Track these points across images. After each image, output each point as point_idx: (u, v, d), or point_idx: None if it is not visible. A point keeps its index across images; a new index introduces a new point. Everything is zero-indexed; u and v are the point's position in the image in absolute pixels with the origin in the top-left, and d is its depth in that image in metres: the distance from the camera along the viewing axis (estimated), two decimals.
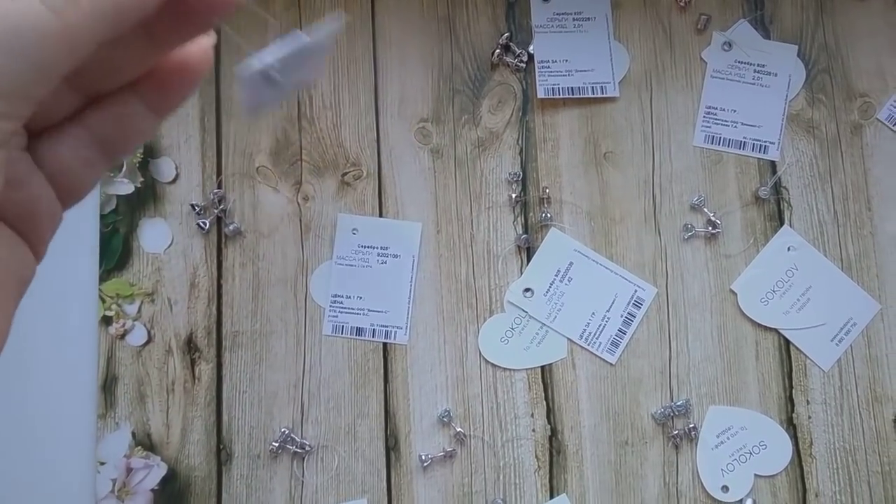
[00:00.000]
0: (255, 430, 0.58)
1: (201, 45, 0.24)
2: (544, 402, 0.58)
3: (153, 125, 0.25)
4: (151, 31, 0.22)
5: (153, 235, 0.59)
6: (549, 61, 0.61)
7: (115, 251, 0.59)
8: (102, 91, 0.24)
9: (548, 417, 0.58)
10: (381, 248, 0.59)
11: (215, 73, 0.62)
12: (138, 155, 0.60)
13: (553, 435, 0.58)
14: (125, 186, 0.59)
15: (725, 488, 0.57)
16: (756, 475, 0.57)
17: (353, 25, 0.62)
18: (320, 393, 0.58)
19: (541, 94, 0.60)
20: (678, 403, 0.57)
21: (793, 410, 0.58)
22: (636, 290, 0.59)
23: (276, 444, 0.57)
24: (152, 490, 0.56)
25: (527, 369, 0.58)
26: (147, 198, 0.60)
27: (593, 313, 0.59)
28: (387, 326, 0.59)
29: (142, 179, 0.60)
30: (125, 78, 0.24)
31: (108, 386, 0.57)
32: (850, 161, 0.61)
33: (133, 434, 0.57)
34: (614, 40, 0.62)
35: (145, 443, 0.57)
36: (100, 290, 0.58)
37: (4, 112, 0.19)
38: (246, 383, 0.58)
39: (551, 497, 0.57)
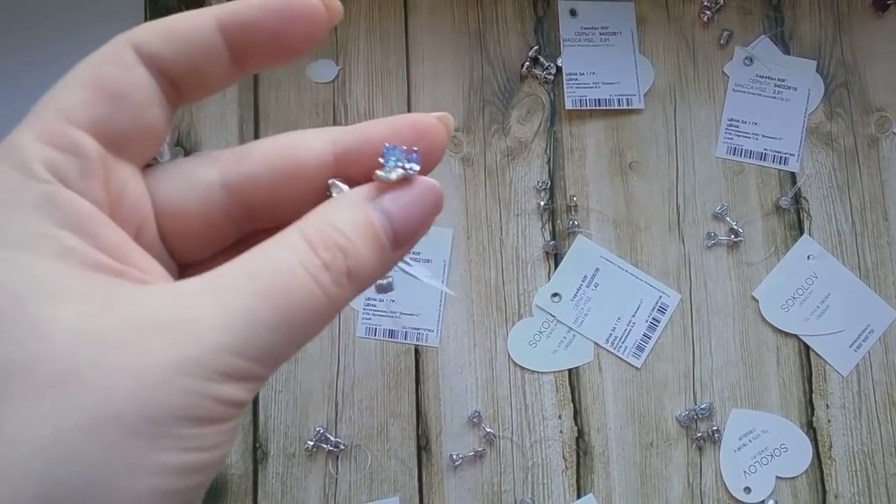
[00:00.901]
0: (291, 429, 0.59)
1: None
2: (571, 404, 0.60)
3: None
4: None
5: None
6: (576, 74, 0.63)
7: None
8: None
9: (575, 419, 0.60)
10: (413, 253, 0.61)
11: (254, 82, 0.64)
12: None
13: (580, 436, 0.59)
14: None
15: (748, 490, 0.58)
16: (777, 477, 0.59)
17: (387, 39, 0.64)
18: (354, 393, 0.60)
19: (569, 106, 0.62)
20: (701, 406, 0.59)
21: (813, 414, 0.60)
22: (661, 296, 0.61)
23: (312, 443, 0.58)
24: None
25: (554, 372, 0.60)
26: None
27: (619, 318, 0.61)
28: (418, 329, 0.60)
29: None
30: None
31: None
32: (868, 173, 0.63)
33: None
34: (639, 54, 0.64)
35: None
36: None
37: (258, 375, 0.19)
38: (282, 383, 0.60)
39: (578, 497, 0.59)
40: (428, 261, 0.61)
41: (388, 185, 0.21)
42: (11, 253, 0.18)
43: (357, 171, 0.23)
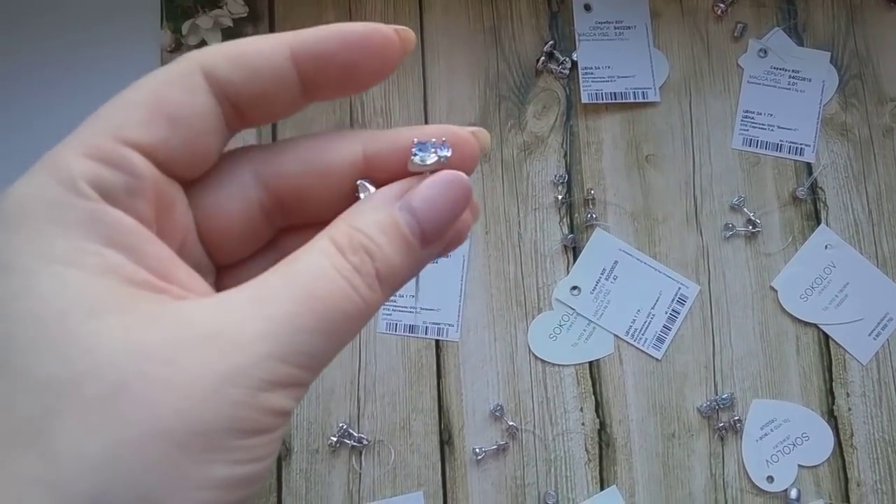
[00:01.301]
0: (314, 425, 0.59)
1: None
2: (593, 397, 0.60)
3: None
4: None
5: None
6: (592, 68, 0.63)
7: None
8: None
9: (596, 411, 0.60)
10: None
11: None
12: None
13: (602, 428, 0.60)
14: None
15: (770, 479, 0.59)
16: (799, 466, 0.59)
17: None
18: (376, 389, 0.60)
19: (585, 100, 0.63)
20: (723, 397, 0.59)
21: (833, 403, 0.60)
22: (680, 288, 0.61)
23: (335, 439, 0.58)
24: None
25: (575, 365, 0.60)
26: None
27: (639, 310, 0.61)
28: (439, 324, 0.61)
29: None
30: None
31: None
32: (883, 162, 0.63)
33: None
34: (654, 48, 0.64)
35: None
36: None
37: (303, 381, 0.19)
38: None
39: (601, 489, 0.59)
40: (446, 256, 0.61)
41: (419, 177, 0.21)
42: (56, 268, 0.17)
43: (386, 173, 0.23)
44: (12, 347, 0.17)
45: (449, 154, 0.21)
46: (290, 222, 0.24)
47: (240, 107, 0.21)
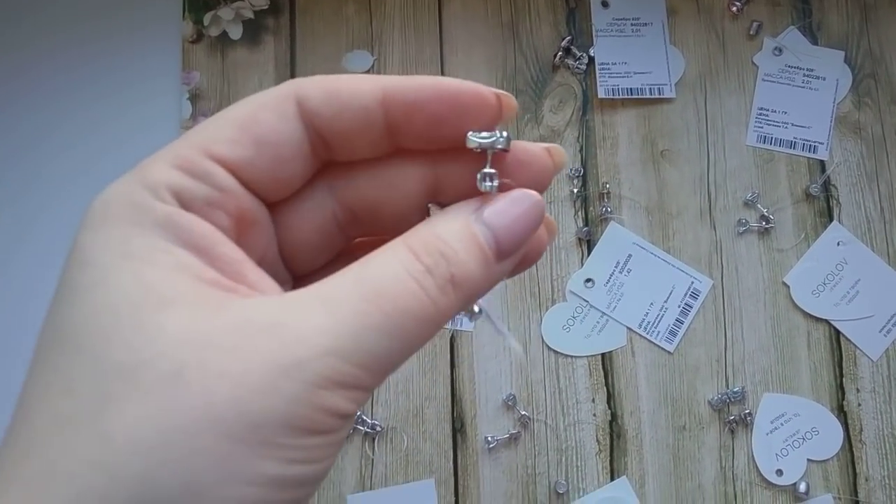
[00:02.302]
0: None
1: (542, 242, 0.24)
2: (605, 388, 0.61)
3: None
4: None
5: None
6: (608, 63, 0.64)
7: None
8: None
9: (608, 402, 0.60)
10: None
11: (290, 72, 0.65)
12: None
13: (613, 419, 0.60)
14: None
15: (780, 472, 0.59)
16: (809, 460, 0.59)
17: (422, 31, 0.66)
18: (390, 377, 0.60)
19: (601, 95, 0.63)
20: (734, 390, 0.60)
21: (843, 398, 0.61)
22: (693, 282, 0.62)
23: None
24: None
25: (588, 356, 0.61)
26: None
27: (652, 303, 0.61)
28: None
29: None
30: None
31: None
32: None
33: None
34: (670, 45, 0.65)
35: None
36: None
37: (366, 384, 0.19)
38: None
39: (612, 479, 0.59)
40: None
41: (491, 195, 0.22)
42: (134, 264, 0.18)
43: (455, 191, 0.23)
44: (86, 334, 0.17)
45: (506, 143, 0.21)
46: (364, 233, 0.24)
47: (326, 139, 0.21)
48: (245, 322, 0.18)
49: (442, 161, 0.23)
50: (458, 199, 0.22)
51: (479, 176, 0.22)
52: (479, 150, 0.21)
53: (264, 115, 0.21)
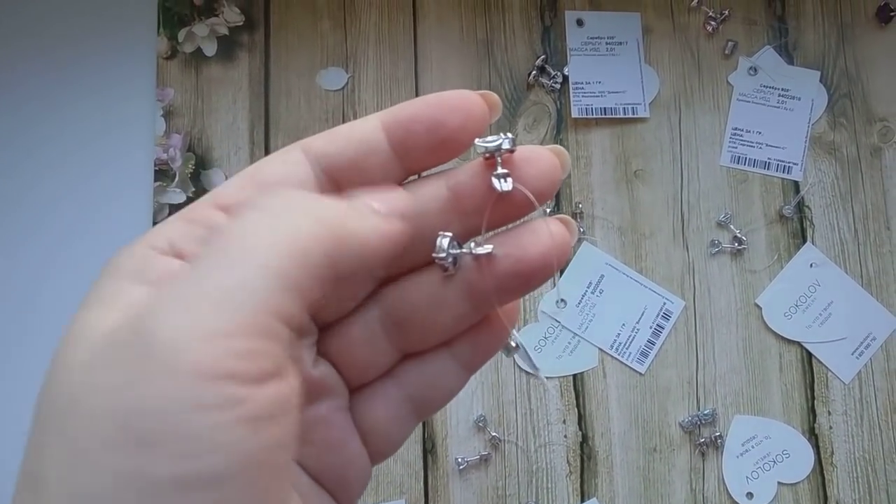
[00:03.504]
0: None
1: (509, 307, 0.24)
2: (576, 409, 0.60)
3: (462, 382, 0.24)
4: (473, 294, 0.22)
5: None
6: (582, 83, 0.64)
7: None
8: (421, 349, 0.24)
9: (579, 424, 0.60)
10: None
11: (264, 89, 0.64)
12: (190, 166, 0.63)
13: (584, 441, 0.60)
14: (177, 195, 0.62)
15: (750, 495, 0.59)
16: (779, 483, 0.59)
17: (396, 47, 0.65)
18: None
19: (575, 114, 0.63)
20: (705, 412, 0.60)
21: (815, 421, 0.60)
22: (665, 303, 0.61)
23: None
24: None
25: (559, 377, 0.61)
26: None
27: (623, 324, 0.61)
28: None
29: (193, 190, 0.62)
30: (444, 336, 0.24)
31: None
32: (871, 182, 0.63)
33: None
34: (645, 64, 0.65)
35: None
36: None
37: (254, 329, 0.17)
38: None
39: (582, 501, 0.59)
40: None
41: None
42: (83, 314, 0.19)
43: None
44: (40, 391, 0.18)
45: (510, 146, 0.22)
46: (417, 348, 0.24)
47: (335, 176, 0.22)
48: (119, 329, 0.17)
49: (452, 176, 0.23)
50: (478, 210, 0.22)
51: (493, 178, 0.22)
52: (487, 156, 0.22)
53: (267, 164, 0.22)
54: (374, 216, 0.21)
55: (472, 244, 0.22)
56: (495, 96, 0.23)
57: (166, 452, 0.15)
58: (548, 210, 0.63)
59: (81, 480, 0.16)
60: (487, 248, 0.22)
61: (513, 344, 0.24)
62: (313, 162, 0.22)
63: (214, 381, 0.16)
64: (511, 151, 0.22)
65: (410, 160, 0.22)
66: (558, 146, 0.23)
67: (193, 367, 0.16)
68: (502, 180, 0.22)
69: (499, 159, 0.22)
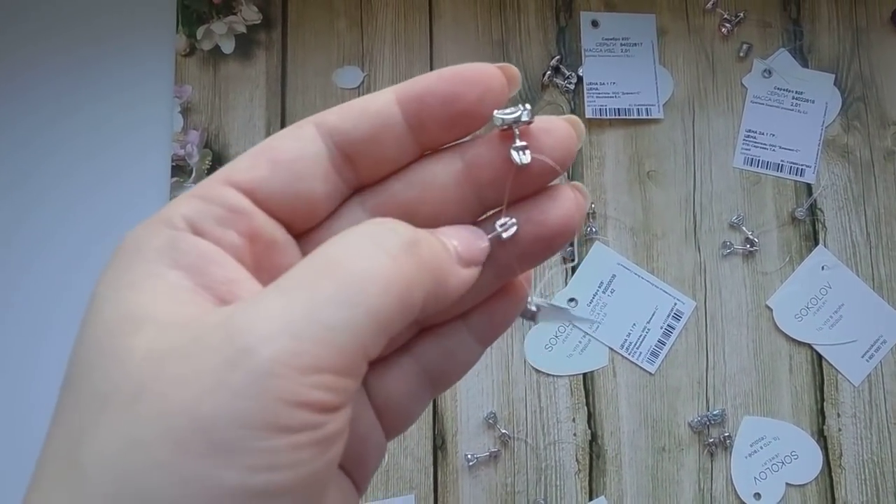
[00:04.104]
0: None
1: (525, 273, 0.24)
2: (585, 408, 0.61)
3: (477, 355, 0.24)
4: (494, 264, 0.22)
5: None
6: (597, 83, 0.64)
7: None
8: (437, 322, 0.24)
9: (588, 422, 0.61)
10: None
11: (281, 86, 0.65)
12: (207, 162, 0.64)
13: (593, 439, 0.61)
14: None
15: (758, 496, 0.59)
16: (787, 484, 0.60)
17: (412, 47, 0.66)
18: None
19: (589, 115, 0.64)
20: (714, 413, 0.60)
21: (824, 423, 0.61)
22: (676, 304, 0.62)
23: None
24: None
25: (569, 376, 0.61)
26: None
27: (634, 324, 0.62)
28: None
29: None
30: (464, 308, 0.23)
31: None
32: (883, 186, 0.64)
33: None
34: (660, 65, 0.65)
35: None
36: None
37: (330, 365, 0.17)
38: None
39: (590, 499, 0.60)
40: None
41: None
42: (121, 293, 0.18)
43: (490, 170, 0.22)
44: (76, 370, 0.18)
45: (528, 118, 0.22)
46: (433, 321, 0.24)
47: (348, 152, 0.21)
48: (202, 327, 0.17)
49: (468, 149, 0.22)
50: (494, 182, 0.22)
51: (511, 151, 0.22)
52: (505, 127, 0.22)
53: (280, 139, 0.21)
54: (464, 269, 0.21)
55: (498, 226, 0.22)
56: (514, 69, 0.22)
57: (241, 463, 0.16)
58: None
59: (138, 475, 0.16)
60: (513, 227, 0.22)
61: (533, 308, 0.24)
62: (326, 137, 0.21)
63: (300, 408, 0.16)
64: (529, 123, 0.22)
65: (426, 135, 0.22)
66: (573, 116, 0.23)
67: (285, 395, 0.16)
68: (521, 153, 0.22)
69: (516, 132, 0.22)
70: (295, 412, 0.16)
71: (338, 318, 0.17)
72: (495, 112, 0.22)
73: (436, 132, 0.22)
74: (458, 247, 0.21)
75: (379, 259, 0.18)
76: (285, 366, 0.16)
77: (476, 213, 0.23)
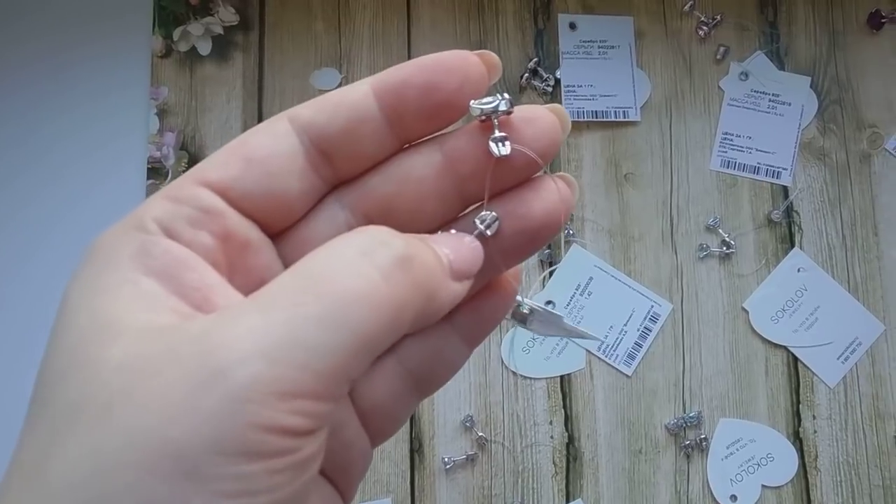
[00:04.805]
0: None
1: (512, 270, 0.23)
2: (562, 410, 0.61)
3: (464, 357, 0.24)
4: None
5: None
6: (574, 86, 0.64)
7: None
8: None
9: (566, 425, 0.61)
10: None
11: (258, 88, 0.65)
12: (183, 164, 0.63)
13: (570, 442, 0.61)
14: None
15: (734, 498, 0.59)
16: (763, 486, 0.60)
17: (390, 48, 0.66)
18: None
19: None
20: (690, 415, 0.60)
21: (799, 424, 0.61)
22: (653, 306, 0.62)
23: None
24: None
25: (546, 378, 0.61)
26: None
27: (611, 326, 0.62)
28: None
29: None
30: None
31: None
32: (859, 188, 0.64)
33: None
34: (637, 68, 0.65)
35: None
36: None
37: (309, 389, 0.16)
38: None
39: (567, 501, 0.60)
40: None
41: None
42: (95, 301, 0.18)
43: (470, 163, 0.21)
44: (47, 379, 0.17)
45: (507, 107, 0.21)
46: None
47: (324, 148, 0.21)
48: (175, 342, 0.16)
49: (447, 141, 0.22)
50: (474, 175, 0.21)
51: (490, 143, 0.21)
52: (483, 118, 0.21)
53: (254, 135, 0.20)
54: (456, 283, 0.20)
55: (478, 221, 0.21)
56: (494, 56, 0.21)
57: (212, 489, 0.15)
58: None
59: (104, 497, 0.15)
60: (495, 223, 0.21)
61: (525, 310, 0.23)
62: (300, 133, 0.20)
63: (275, 433, 0.15)
64: (508, 113, 0.21)
65: (404, 127, 0.21)
66: (557, 105, 0.22)
67: (260, 420, 0.15)
68: (500, 144, 0.21)
69: (495, 122, 0.21)
70: (269, 438, 0.15)
71: (320, 340, 0.16)
72: (472, 102, 0.21)
73: (414, 124, 0.21)
74: (450, 256, 0.20)
75: (370, 277, 0.17)
76: (260, 392, 0.15)
77: (457, 208, 0.22)
